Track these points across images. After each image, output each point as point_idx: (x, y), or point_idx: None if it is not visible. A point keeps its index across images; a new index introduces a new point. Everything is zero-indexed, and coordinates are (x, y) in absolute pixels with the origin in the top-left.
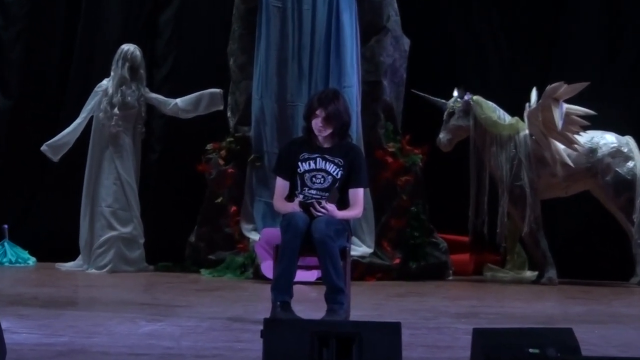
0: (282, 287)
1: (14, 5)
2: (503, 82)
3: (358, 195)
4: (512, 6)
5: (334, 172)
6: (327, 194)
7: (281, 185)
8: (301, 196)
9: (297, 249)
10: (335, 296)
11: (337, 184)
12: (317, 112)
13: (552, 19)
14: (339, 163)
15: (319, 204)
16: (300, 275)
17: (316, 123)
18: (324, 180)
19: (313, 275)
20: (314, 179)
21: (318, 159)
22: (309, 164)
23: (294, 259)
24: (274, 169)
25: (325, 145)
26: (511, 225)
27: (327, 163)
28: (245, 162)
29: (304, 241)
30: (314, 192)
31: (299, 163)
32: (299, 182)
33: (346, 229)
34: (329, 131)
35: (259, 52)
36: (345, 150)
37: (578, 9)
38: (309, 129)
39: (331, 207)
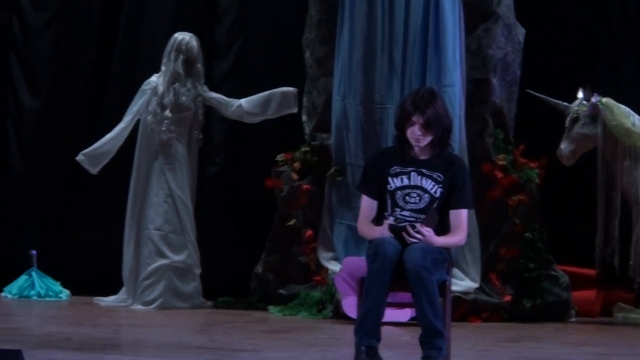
0: (368, 328)
1: None
2: (639, 81)
3: (461, 217)
4: None
5: (431, 189)
6: (423, 216)
7: (367, 204)
8: (392, 219)
9: (386, 282)
10: (432, 340)
11: (435, 204)
12: (414, 118)
13: None
14: (438, 179)
15: (413, 228)
16: (390, 314)
17: (412, 132)
18: (420, 200)
19: (406, 314)
20: (407, 197)
21: (413, 173)
22: (402, 180)
23: (382, 294)
24: (359, 185)
25: (422, 157)
26: None
27: (424, 179)
28: (324, 176)
29: (395, 273)
30: (407, 213)
31: (390, 179)
32: (389, 201)
33: (446, 258)
34: (428, 140)
35: (341, 42)
36: (446, 162)
37: None
38: (401, 138)
39: (428, 232)
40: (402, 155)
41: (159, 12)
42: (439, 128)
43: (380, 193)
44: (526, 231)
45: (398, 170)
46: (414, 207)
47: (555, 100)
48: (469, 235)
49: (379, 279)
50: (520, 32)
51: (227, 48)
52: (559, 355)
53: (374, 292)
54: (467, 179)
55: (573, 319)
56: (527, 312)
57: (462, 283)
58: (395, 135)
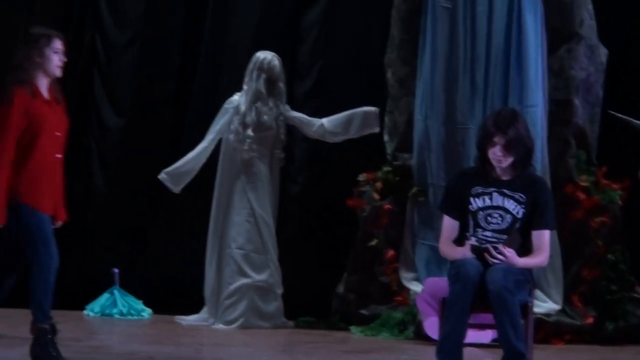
0: (450, 349)
1: (127, 4)
2: None
3: (543, 238)
4: None
5: (513, 210)
6: (505, 237)
7: (449, 225)
8: (474, 239)
9: (468, 303)
10: None
11: (517, 225)
12: (495, 139)
13: None
14: (520, 199)
15: (496, 249)
16: (472, 335)
17: (494, 152)
18: (502, 220)
19: (487, 336)
20: (489, 218)
21: (495, 194)
22: (484, 200)
23: (464, 315)
24: (441, 206)
25: (504, 178)
26: None
27: (506, 199)
28: (406, 196)
29: (477, 294)
30: (489, 234)
31: (472, 199)
32: (471, 222)
33: (528, 280)
34: (509, 161)
35: (423, 63)
36: (528, 183)
37: None
38: (483, 159)
39: (510, 252)
40: (484, 175)
41: (241, 31)
42: (521, 149)
43: (462, 213)
44: (608, 253)
45: (480, 190)
46: (496, 228)
47: (638, 122)
48: (551, 256)
49: (460, 300)
50: (603, 52)
51: (310, 67)
52: None
53: (456, 313)
54: (550, 199)
55: None
56: (610, 334)
57: (544, 305)
58: (477, 156)
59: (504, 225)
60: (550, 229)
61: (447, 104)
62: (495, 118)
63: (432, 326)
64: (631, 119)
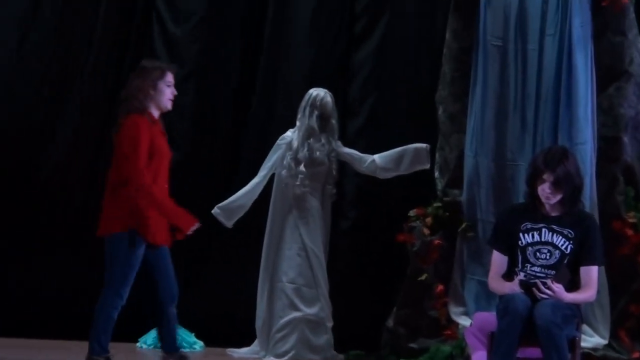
0: None
1: (182, 42)
2: None
3: (591, 274)
4: None
5: (562, 246)
6: (553, 272)
7: (498, 260)
8: (522, 274)
9: (516, 337)
10: None
11: (566, 260)
12: (545, 176)
13: None
14: (569, 235)
15: (544, 284)
16: None
17: (543, 189)
18: (551, 256)
19: None
20: (538, 253)
21: (544, 229)
22: (533, 236)
23: (512, 349)
24: (490, 241)
25: (553, 214)
26: None
27: (555, 235)
28: (455, 231)
29: (525, 328)
30: (537, 269)
31: (521, 234)
32: (520, 257)
33: (576, 315)
34: (558, 197)
35: (474, 100)
36: (577, 219)
37: None
38: (532, 195)
39: (558, 288)
40: (533, 211)
41: (295, 68)
42: (569, 186)
43: (511, 249)
44: None
45: (529, 226)
46: (545, 263)
47: None
48: (598, 291)
49: (509, 334)
50: None
51: (361, 104)
52: None
53: (504, 347)
54: (598, 235)
55: None
56: None
57: (592, 339)
58: (526, 192)
59: (552, 261)
60: (599, 264)
61: (497, 140)
62: (545, 155)
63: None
64: None
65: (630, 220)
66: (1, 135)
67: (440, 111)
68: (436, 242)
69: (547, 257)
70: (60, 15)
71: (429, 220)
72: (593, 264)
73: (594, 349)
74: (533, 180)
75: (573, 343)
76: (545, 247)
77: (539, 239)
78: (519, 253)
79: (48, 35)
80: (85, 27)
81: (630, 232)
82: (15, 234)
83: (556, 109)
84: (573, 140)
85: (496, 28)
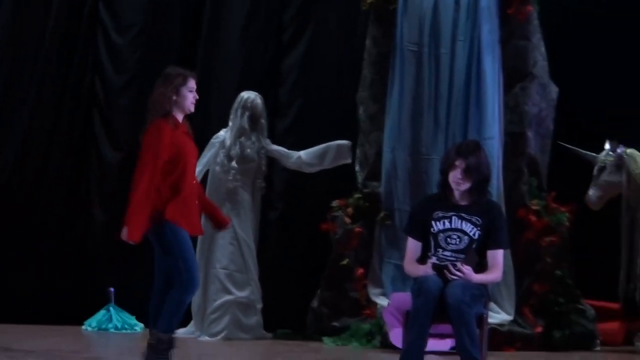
0: (413, 357)
1: (124, 50)
2: None
3: (497, 257)
4: None
5: (470, 232)
6: (463, 256)
7: (413, 246)
8: (435, 258)
9: (429, 315)
10: None
11: (474, 245)
12: (457, 162)
13: None
14: (477, 222)
15: (454, 266)
16: (433, 344)
17: (454, 175)
18: (460, 241)
19: (446, 344)
20: (448, 239)
21: (454, 217)
22: (444, 223)
23: (426, 326)
24: (405, 229)
25: (462, 203)
26: None
27: (464, 222)
28: (374, 220)
29: (437, 307)
30: (448, 253)
31: (433, 222)
32: (432, 242)
33: (484, 294)
34: (467, 185)
35: (391, 100)
36: (484, 208)
37: None
38: (444, 184)
39: (467, 269)
40: (445, 200)
41: (228, 74)
42: (478, 175)
43: (424, 235)
44: (556, 269)
45: (440, 214)
46: (455, 248)
47: (584, 152)
48: (504, 272)
49: (423, 313)
50: (554, 90)
51: (289, 106)
52: None
53: (418, 324)
54: (503, 222)
55: (598, 348)
56: (557, 342)
57: (498, 316)
58: (438, 181)
59: (461, 246)
60: (504, 248)
61: (412, 137)
62: (459, 146)
63: (397, 336)
64: (578, 149)
65: (534, 208)
66: None
67: (360, 111)
68: (357, 230)
69: (457, 243)
70: (12, 25)
71: (350, 210)
72: (499, 248)
73: (501, 325)
74: (446, 168)
75: (481, 319)
76: (455, 233)
77: (449, 226)
78: (431, 239)
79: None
80: (34, 36)
81: (533, 218)
82: None
83: (466, 107)
84: (482, 135)
85: (412, 35)
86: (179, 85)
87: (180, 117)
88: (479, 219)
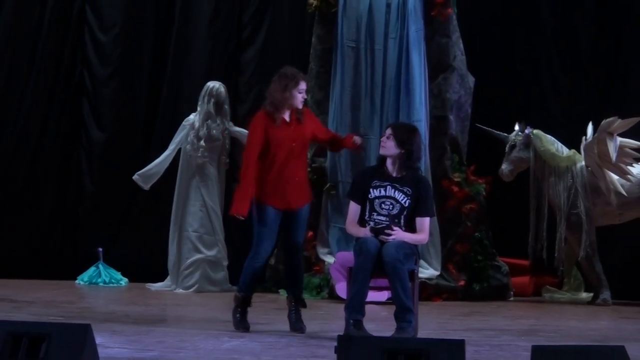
0: (355, 306)
1: (108, 46)
2: (561, 116)
3: (424, 223)
4: (571, 46)
5: (402, 200)
6: (396, 221)
7: (354, 209)
8: (372, 223)
9: (369, 271)
10: (404, 315)
11: (404, 212)
12: (387, 130)
13: (610, 58)
14: (407, 192)
15: (389, 227)
16: (372, 295)
17: (382, 140)
18: (393, 208)
19: (383, 295)
20: (383, 205)
21: (388, 187)
22: (380, 191)
23: (366, 280)
24: (348, 194)
25: (395, 175)
26: (568, 250)
27: (397, 192)
28: (322, 191)
29: (376, 264)
30: (382, 217)
31: (371, 189)
32: (368, 207)
33: (414, 253)
34: (390, 149)
35: (334, 88)
36: (414, 181)
37: (637, 45)
38: (382, 158)
39: (396, 230)
40: (381, 172)
41: (195, 66)
42: (403, 146)
43: (363, 200)
44: (476, 232)
45: (377, 183)
46: (388, 213)
47: (498, 132)
48: (431, 234)
49: (363, 269)
50: (471, 80)
51: (248, 93)
52: (501, 326)
53: (360, 278)
54: (430, 193)
55: (511, 299)
56: (477, 293)
57: (427, 271)
58: (378, 156)
59: (394, 212)
60: (430, 216)
61: (352, 119)
62: (395, 122)
63: (342, 289)
64: (492, 130)
65: (456, 180)
66: None
67: (308, 98)
68: None
69: (390, 209)
70: (12, 24)
71: None
72: (426, 215)
73: (429, 279)
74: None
75: (412, 275)
76: (389, 200)
77: (384, 194)
78: (368, 204)
79: None
80: (31, 34)
81: (456, 188)
82: None
83: (398, 94)
84: (411, 118)
85: (350, 33)
86: (292, 87)
87: (287, 112)
88: (409, 190)
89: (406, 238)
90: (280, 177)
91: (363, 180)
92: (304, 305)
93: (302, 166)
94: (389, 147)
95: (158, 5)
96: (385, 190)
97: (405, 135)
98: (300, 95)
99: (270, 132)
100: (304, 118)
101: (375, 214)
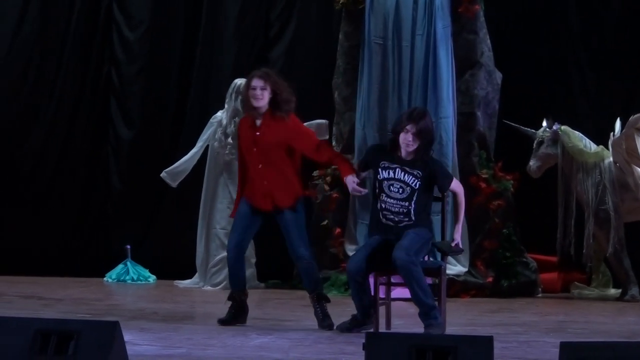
0: (358, 309)
1: (135, 44)
2: (589, 113)
3: (454, 187)
4: (598, 42)
5: (412, 183)
6: (405, 204)
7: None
8: (383, 204)
9: (360, 278)
10: (428, 312)
11: (415, 195)
12: (408, 127)
13: (637, 53)
14: (417, 175)
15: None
16: (398, 292)
17: (405, 137)
18: (403, 191)
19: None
20: (391, 187)
21: (397, 169)
22: (388, 173)
23: (361, 288)
24: (359, 159)
25: (405, 158)
26: (596, 246)
27: (406, 175)
28: None
29: (383, 260)
30: (392, 201)
31: (379, 170)
32: (377, 187)
33: (425, 238)
34: (416, 146)
35: (361, 85)
36: (424, 162)
37: None
38: (394, 141)
39: (456, 237)
40: (392, 154)
41: (223, 64)
42: (427, 137)
43: (366, 169)
44: (503, 228)
45: (386, 165)
46: (397, 197)
47: (525, 128)
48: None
49: (353, 280)
50: (498, 76)
51: None
52: (529, 322)
53: (353, 288)
54: (442, 166)
55: (540, 295)
56: (505, 290)
57: (455, 268)
58: (390, 137)
59: (404, 195)
60: (451, 178)
61: (380, 116)
62: (410, 112)
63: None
64: (520, 126)
65: (483, 176)
66: None
67: (335, 95)
68: (334, 195)
69: (400, 192)
70: (41, 24)
71: (328, 179)
72: (450, 181)
73: (457, 276)
74: (398, 130)
75: (439, 271)
76: (398, 183)
77: (392, 176)
78: (377, 184)
79: (27, 47)
80: (59, 34)
81: (483, 185)
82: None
83: (425, 91)
84: (438, 115)
85: (378, 30)
86: (246, 87)
87: (258, 115)
88: (419, 172)
89: (461, 225)
90: (253, 180)
91: (372, 156)
92: (327, 300)
93: (274, 172)
94: (415, 144)
95: (186, 2)
96: (394, 173)
97: (424, 124)
98: (253, 92)
99: (240, 135)
100: (283, 125)
101: (383, 194)
